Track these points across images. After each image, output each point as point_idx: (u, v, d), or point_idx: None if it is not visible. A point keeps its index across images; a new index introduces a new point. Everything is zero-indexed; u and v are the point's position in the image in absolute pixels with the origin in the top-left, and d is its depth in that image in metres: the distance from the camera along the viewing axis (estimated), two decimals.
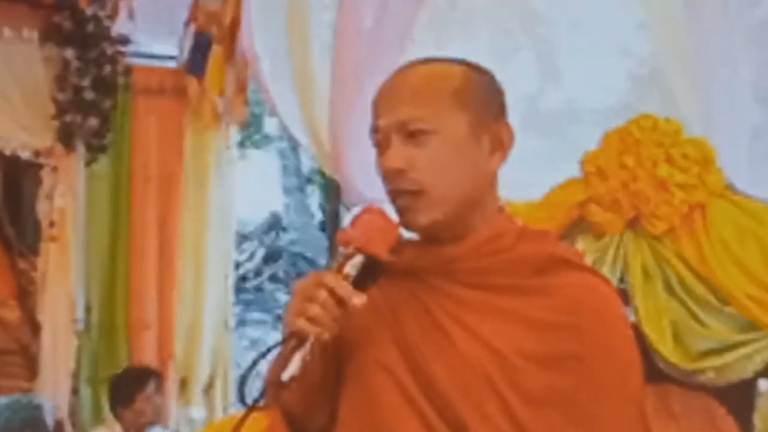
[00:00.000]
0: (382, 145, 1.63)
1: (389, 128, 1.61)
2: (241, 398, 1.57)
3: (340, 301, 1.53)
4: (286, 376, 1.51)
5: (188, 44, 5.51)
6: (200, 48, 5.46)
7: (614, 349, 1.58)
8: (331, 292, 1.52)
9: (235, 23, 5.24)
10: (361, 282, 1.56)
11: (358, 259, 1.56)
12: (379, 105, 1.65)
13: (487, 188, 1.64)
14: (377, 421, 1.60)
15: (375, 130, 1.64)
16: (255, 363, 1.57)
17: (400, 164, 1.59)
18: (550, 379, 1.54)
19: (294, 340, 1.52)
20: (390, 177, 1.60)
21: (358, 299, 1.53)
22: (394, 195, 1.62)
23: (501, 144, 1.63)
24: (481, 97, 1.63)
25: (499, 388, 1.54)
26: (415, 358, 1.60)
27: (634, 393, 1.59)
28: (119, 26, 5.39)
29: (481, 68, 1.66)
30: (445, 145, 1.59)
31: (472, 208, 1.62)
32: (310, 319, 1.51)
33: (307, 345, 1.52)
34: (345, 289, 1.53)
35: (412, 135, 1.59)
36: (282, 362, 1.54)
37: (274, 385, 1.58)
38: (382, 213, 1.61)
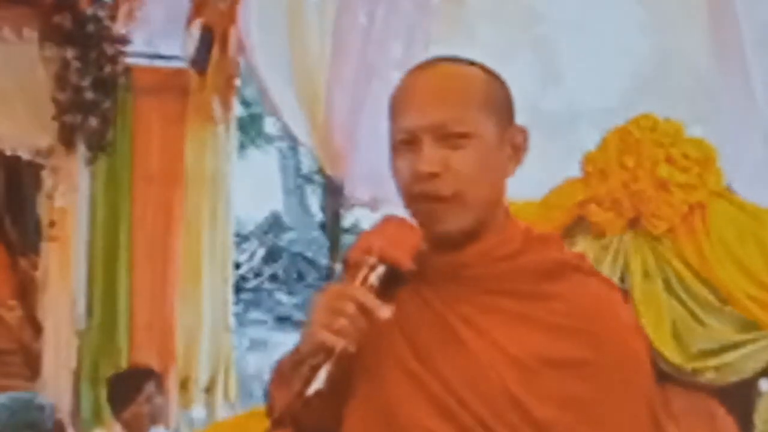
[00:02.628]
0: (405, 146, 1.58)
1: (421, 129, 1.56)
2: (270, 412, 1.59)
3: (367, 313, 1.51)
4: (312, 389, 1.50)
5: (193, 40, 5.51)
6: (205, 44, 5.47)
7: (629, 355, 1.58)
8: (359, 304, 1.50)
9: (230, 21, 5.24)
10: (384, 292, 1.54)
11: (381, 270, 1.54)
12: (404, 105, 1.60)
13: (502, 193, 1.64)
14: (399, 420, 1.58)
15: (397, 130, 1.60)
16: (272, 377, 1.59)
17: (436, 168, 1.55)
18: (566, 383, 1.54)
19: (321, 353, 1.50)
20: (422, 181, 1.56)
21: (385, 311, 1.51)
22: (420, 200, 1.58)
23: (518, 149, 1.63)
24: (504, 102, 1.62)
25: (514, 391, 1.53)
26: (426, 363, 1.59)
27: (648, 397, 1.60)
28: (119, 26, 5.39)
29: (494, 72, 1.65)
30: (480, 149, 1.56)
31: (489, 212, 1.61)
32: (337, 332, 1.49)
33: (333, 358, 1.50)
34: (372, 301, 1.51)
35: (449, 137, 1.55)
36: (307, 375, 1.51)
37: (296, 399, 1.55)
38: (403, 221, 1.58)
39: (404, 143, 1.58)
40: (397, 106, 1.61)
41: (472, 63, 1.63)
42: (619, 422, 1.55)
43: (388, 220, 1.61)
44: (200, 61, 5.49)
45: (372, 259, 1.55)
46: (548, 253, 1.63)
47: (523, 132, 1.63)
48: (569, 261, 1.64)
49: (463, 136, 1.55)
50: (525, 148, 1.63)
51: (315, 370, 1.50)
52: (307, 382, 1.51)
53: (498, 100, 1.60)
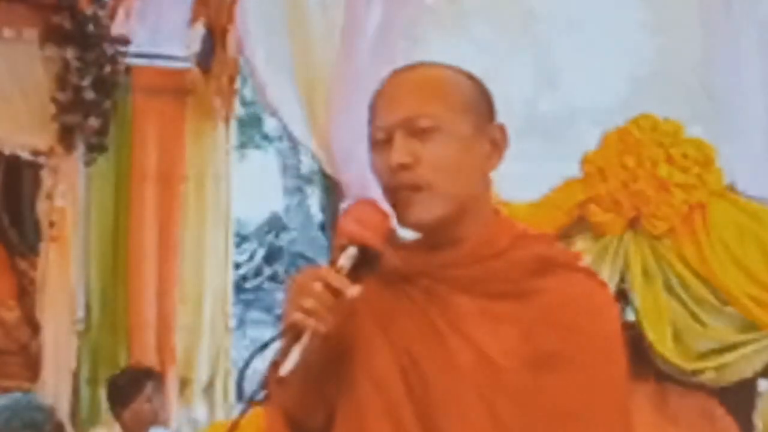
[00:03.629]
0: (382, 144, 1.63)
1: (393, 126, 1.61)
2: (240, 394, 1.58)
3: (336, 293, 1.54)
4: (284, 370, 1.52)
5: (197, 39, 5.51)
6: (208, 43, 5.47)
7: (599, 348, 1.59)
8: (326, 284, 1.54)
9: (229, 20, 5.24)
10: (356, 273, 1.57)
11: (351, 251, 1.57)
12: (380, 104, 1.65)
13: (484, 190, 1.66)
14: (363, 428, 1.61)
15: (375, 129, 1.65)
16: (251, 359, 1.59)
17: (405, 159, 1.59)
18: (535, 377, 1.55)
19: (291, 333, 1.53)
20: (393, 172, 1.60)
21: (352, 290, 1.54)
22: (396, 191, 1.61)
23: (497, 146, 1.66)
24: (481, 101, 1.66)
25: (486, 392, 1.55)
26: (404, 363, 1.60)
27: (617, 390, 1.60)
28: (119, 26, 5.39)
29: (474, 75, 1.69)
30: (450, 142, 1.60)
31: (470, 208, 1.63)
32: (306, 312, 1.52)
33: (305, 338, 1.53)
34: (339, 280, 1.54)
35: (417, 132, 1.59)
36: (280, 357, 1.54)
37: (273, 380, 1.58)
38: (372, 204, 1.62)
39: (379, 141, 1.63)
40: (374, 107, 1.66)
41: (451, 67, 1.68)
42: (587, 416, 1.55)
43: (357, 203, 1.64)
44: (205, 59, 5.50)
45: (341, 241, 1.58)
46: (532, 250, 1.64)
47: (502, 128, 1.67)
48: (556, 257, 1.65)
49: (433, 130, 1.60)
50: (504, 143, 1.67)
51: (289, 350, 1.53)
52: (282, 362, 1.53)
53: (474, 100, 1.64)
